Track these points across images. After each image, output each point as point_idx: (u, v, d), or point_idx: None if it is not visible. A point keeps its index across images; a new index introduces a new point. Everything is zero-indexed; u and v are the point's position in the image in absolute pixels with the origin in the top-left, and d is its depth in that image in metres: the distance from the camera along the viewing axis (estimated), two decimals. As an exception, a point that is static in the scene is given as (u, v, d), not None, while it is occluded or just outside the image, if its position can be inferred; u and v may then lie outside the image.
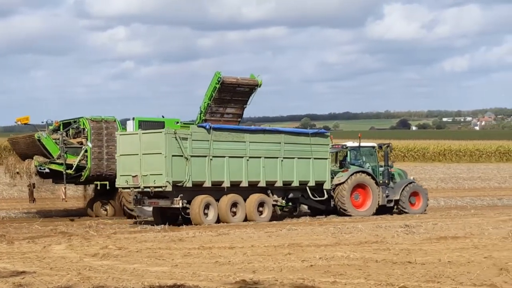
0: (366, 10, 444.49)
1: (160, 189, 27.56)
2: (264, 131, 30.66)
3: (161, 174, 27.30)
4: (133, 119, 30.98)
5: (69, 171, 30.80)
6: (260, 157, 29.61)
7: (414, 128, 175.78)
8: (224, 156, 28.65)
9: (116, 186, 28.99)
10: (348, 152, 33.50)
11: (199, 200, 27.95)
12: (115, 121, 31.79)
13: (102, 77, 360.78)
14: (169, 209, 28.32)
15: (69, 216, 33.23)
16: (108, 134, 31.05)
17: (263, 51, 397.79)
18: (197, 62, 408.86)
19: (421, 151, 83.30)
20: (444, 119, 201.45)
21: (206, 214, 28.17)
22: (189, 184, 27.80)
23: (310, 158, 31.04)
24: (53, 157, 30.69)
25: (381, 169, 33.73)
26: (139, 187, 27.97)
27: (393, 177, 34.26)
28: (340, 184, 32.01)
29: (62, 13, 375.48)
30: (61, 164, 30.71)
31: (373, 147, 34.19)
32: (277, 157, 30.18)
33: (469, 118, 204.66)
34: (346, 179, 32.05)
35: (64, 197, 31.19)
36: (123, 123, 31.65)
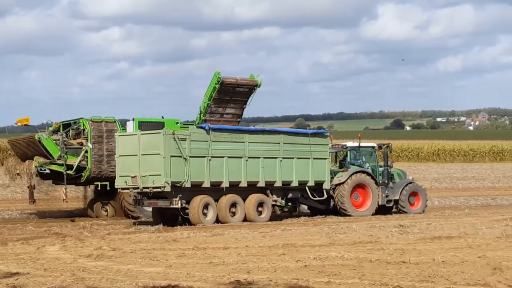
0: (360, 11, 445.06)
1: (159, 190, 27.63)
2: (263, 132, 30.75)
3: (160, 175, 27.38)
4: (133, 119, 31.11)
5: (69, 172, 30.87)
6: (259, 157, 29.68)
7: (408, 128, 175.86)
8: (223, 157, 28.71)
9: (116, 186, 29.07)
10: (348, 152, 33.64)
11: (198, 200, 28.02)
12: (115, 121, 31.87)
13: (96, 77, 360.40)
14: (169, 209, 28.40)
15: (67, 217, 33.17)
16: (108, 135, 31.09)
17: (257, 51, 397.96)
18: (191, 63, 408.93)
19: (415, 151, 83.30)
20: (438, 119, 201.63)
21: (205, 214, 28.27)
22: (188, 185, 27.88)
23: (309, 158, 31.12)
24: (53, 158, 30.76)
25: (380, 169, 33.87)
26: (138, 188, 28.05)
27: (393, 177, 34.42)
28: (340, 184, 32.10)
29: (56, 14, 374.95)
30: (62, 165, 30.76)
31: (373, 147, 34.33)
32: (276, 157, 30.26)
33: (463, 118, 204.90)
34: (346, 179, 32.14)
35: (65, 198, 31.27)
36: (123, 123, 31.70)
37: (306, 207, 33.27)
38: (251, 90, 33.45)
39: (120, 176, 28.45)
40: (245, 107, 33.98)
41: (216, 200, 28.61)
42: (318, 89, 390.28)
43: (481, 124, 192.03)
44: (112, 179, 29.78)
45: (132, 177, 27.92)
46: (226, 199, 28.69)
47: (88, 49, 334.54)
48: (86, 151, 31.06)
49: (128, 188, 28.64)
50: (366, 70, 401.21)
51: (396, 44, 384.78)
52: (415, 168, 65.99)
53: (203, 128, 28.67)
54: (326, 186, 31.68)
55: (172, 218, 28.78)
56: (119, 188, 29.23)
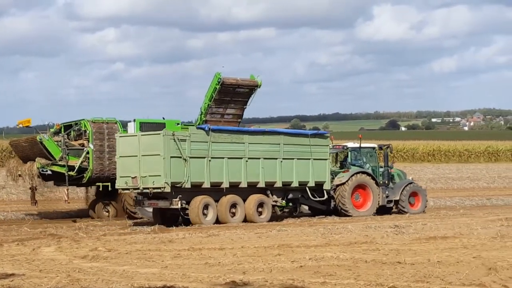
0: (355, 11, 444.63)
1: (159, 190, 27.74)
2: (263, 133, 30.86)
3: (160, 176, 27.50)
4: (134, 120, 31.21)
5: (71, 173, 30.93)
6: (259, 158, 29.76)
7: (403, 128, 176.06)
8: (223, 157, 28.78)
9: (116, 187, 29.19)
10: (349, 153, 33.76)
11: (198, 201, 28.12)
12: (116, 122, 31.96)
13: (92, 78, 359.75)
14: (169, 210, 28.53)
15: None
16: (109, 136, 31.17)
17: (253, 52, 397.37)
18: (187, 63, 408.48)
19: (410, 152, 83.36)
20: (433, 120, 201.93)
21: (205, 215, 28.38)
22: (188, 185, 28.00)
23: (309, 159, 31.20)
24: (55, 159, 30.82)
25: (381, 169, 33.98)
26: (138, 188, 28.17)
27: (393, 178, 34.54)
28: (341, 184, 32.19)
29: (52, 15, 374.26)
30: (63, 166, 30.82)
31: (373, 148, 34.50)
32: (277, 158, 30.34)
33: (458, 119, 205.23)
34: (347, 180, 32.24)
35: (67, 199, 31.33)
36: (124, 124, 31.79)
37: (307, 207, 33.34)
38: (252, 90, 33.56)
39: (120, 176, 28.60)
40: (246, 108, 34.09)
41: (216, 201, 28.72)
42: (314, 90, 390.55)
43: (476, 124, 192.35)
44: (113, 180, 29.85)
45: (132, 177, 28.07)
46: (226, 200, 28.79)
47: (84, 50, 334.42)
48: (88, 152, 31.14)
49: (128, 189, 28.81)
50: (362, 70, 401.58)
51: (392, 45, 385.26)
52: (410, 169, 65.96)
53: (203, 129, 28.81)
54: (327, 186, 31.78)
55: (172, 219, 28.89)
56: (119, 189, 29.30)
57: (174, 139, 27.71)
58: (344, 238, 22.17)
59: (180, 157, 27.77)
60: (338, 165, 34.26)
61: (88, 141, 31.21)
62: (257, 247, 20.01)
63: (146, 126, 30.89)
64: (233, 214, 28.99)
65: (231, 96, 33.02)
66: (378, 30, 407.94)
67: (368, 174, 32.88)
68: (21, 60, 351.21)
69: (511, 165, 78.31)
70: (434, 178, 59.36)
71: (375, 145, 34.94)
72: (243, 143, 29.55)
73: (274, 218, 30.68)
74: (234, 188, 29.16)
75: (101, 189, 32.05)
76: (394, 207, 34.02)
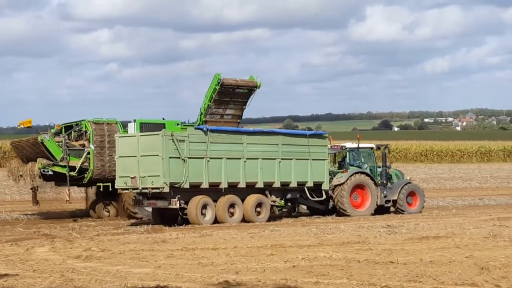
0: (348, 12, 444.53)
1: (157, 190, 27.88)
2: (261, 133, 30.93)
3: (159, 176, 27.63)
4: (134, 121, 31.34)
5: (72, 173, 31.03)
6: (257, 159, 29.86)
7: (396, 129, 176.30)
8: (221, 158, 28.87)
9: (115, 187, 29.29)
10: (347, 153, 33.88)
11: (196, 201, 28.24)
12: (116, 123, 32.08)
13: (85, 79, 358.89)
14: (168, 209, 28.64)
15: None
16: (110, 136, 31.26)
17: (246, 52, 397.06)
18: (180, 64, 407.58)
19: (403, 152, 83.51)
20: (426, 120, 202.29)
21: (203, 215, 28.48)
22: (187, 185, 28.13)
23: (308, 159, 31.29)
24: (56, 160, 30.92)
25: (379, 169, 34.08)
26: (137, 188, 28.29)
27: (391, 178, 34.64)
28: (339, 184, 32.27)
29: (45, 15, 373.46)
30: (64, 166, 30.90)
31: (372, 148, 34.62)
32: (275, 159, 30.42)
33: (450, 119, 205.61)
34: (346, 180, 32.33)
35: (68, 199, 31.46)
36: (124, 125, 31.88)
37: (305, 207, 33.44)
38: (251, 91, 33.76)
39: (119, 176, 28.74)
40: (245, 108, 34.26)
41: (215, 201, 28.84)
42: (307, 90, 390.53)
43: (468, 124, 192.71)
44: (114, 180, 29.92)
45: (132, 177, 28.19)
46: (225, 200, 28.90)
47: (77, 50, 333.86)
48: (88, 153, 31.25)
49: (127, 189, 28.90)
50: (355, 71, 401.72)
51: (384, 45, 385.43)
52: (403, 169, 65.69)
53: (201, 129, 28.94)
54: (325, 186, 31.88)
55: (171, 218, 29.06)
56: (118, 189, 29.40)
57: (172, 140, 27.86)
58: (337, 238, 22.22)
59: (179, 158, 27.90)
60: (337, 165, 34.39)
61: (89, 142, 31.37)
62: (250, 247, 20.04)
63: (146, 127, 31.05)
64: (232, 214, 29.09)
65: (230, 96, 33.21)
66: (371, 30, 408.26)
67: (366, 174, 33.01)
68: (14, 60, 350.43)
69: (504, 165, 78.50)
70: (426, 178, 59.45)
71: (373, 145, 35.11)
72: (242, 143, 29.67)
73: (273, 218, 30.75)
74: (232, 188, 29.28)
75: (101, 189, 32.14)
76: (392, 207, 34.17)
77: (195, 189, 28.47)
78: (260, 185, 30.02)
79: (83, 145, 31.56)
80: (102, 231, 26.29)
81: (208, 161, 28.57)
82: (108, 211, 33.38)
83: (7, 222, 31.38)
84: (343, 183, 32.26)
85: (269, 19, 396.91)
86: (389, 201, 33.82)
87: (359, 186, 32.72)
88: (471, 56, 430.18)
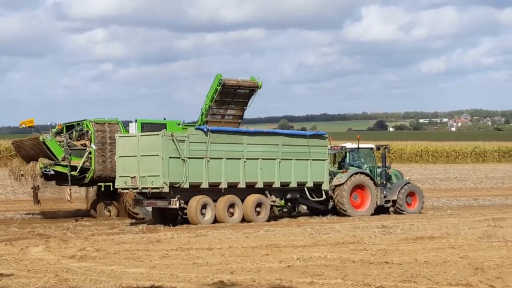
0: (344, 12, 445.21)
1: (157, 190, 27.95)
2: (262, 133, 31.01)
3: (158, 176, 27.72)
4: (136, 121, 31.39)
5: (73, 173, 31.08)
6: (257, 159, 29.91)
7: (391, 129, 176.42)
8: (221, 158, 28.92)
9: (116, 187, 29.33)
10: (347, 154, 33.95)
11: (196, 201, 28.31)
12: (118, 123, 32.15)
13: (80, 79, 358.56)
14: (168, 209, 28.68)
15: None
16: (111, 136, 31.30)
17: (242, 53, 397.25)
18: (175, 64, 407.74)
19: (398, 152, 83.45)
20: (421, 120, 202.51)
21: (203, 215, 28.56)
22: (186, 185, 28.22)
23: (308, 159, 31.34)
24: (57, 159, 30.98)
25: (379, 170, 34.17)
26: (137, 188, 28.36)
27: (390, 178, 34.73)
28: (339, 185, 32.34)
29: (40, 15, 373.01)
30: (66, 166, 30.94)
31: (371, 148, 34.71)
32: (275, 159, 30.47)
33: (445, 119, 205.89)
34: (346, 180, 32.43)
35: (69, 199, 31.47)
36: (126, 125, 31.92)
37: (305, 207, 33.49)
38: (252, 91, 33.87)
39: (120, 176, 28.83)
40: (246, 109, 34.33)
41: (215, 201, 28.91)
42: (302, 90, 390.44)
43: (463, 125, 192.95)
44: (115, 180, 29.96)
45: (132, 177, 28.25)
46: (225, 200, 28.96)
47: (72, 50, 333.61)
48: (90, 152, 31.34)
49: (127, 189, 28.98)
50: (350, 71, 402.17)
51: (380, 45, 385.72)
52: (398, 169, 66.18)
53: (202, 129, 28.99)
54: (325, 187, 31.95)
55: (171, 218, 29.13)
56: (118, 188, 29.42)
57: (173, 140, 27.92)
58: (331, 238, 22.23)
59: (179, 158, 27.93)
60: (336, 165, 34.48)
61: (90, 142, 31.47)
62: (245, 247, 20.05)
63: (147, 127, 31.13)
64: (231, 214, 29.18)
65: (231, 97, 33.30)
66: (366, 31, 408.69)
67: (366, 174, 33.12)
68: (9, 60, 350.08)
69: (498, 165, 78.55)
70: (421, 178, 59.47)
71: (373, 146, 35.26)
72: (242, 143, 29.73)
73: (272, 218, 30.78)
74: (232, 188, 29.35)
75: (103, 189, 32.18)
76: (391, 207, 34.24)
77: (195, 189, 28.55)
78: (260, 185, 30.10)
79: (85, 145, 31.67)
80: (97, 231, 26.27)
81: (208, 161, 28.64)
82: (109, 211, 33.46)
83: (2, 221, 31.32)
84: (343, 183, 32.36)
85: (265, 19, 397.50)
86: (388, 201, 33.95)
87: (359, 187, 32.84)
88: (467, 57, 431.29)
